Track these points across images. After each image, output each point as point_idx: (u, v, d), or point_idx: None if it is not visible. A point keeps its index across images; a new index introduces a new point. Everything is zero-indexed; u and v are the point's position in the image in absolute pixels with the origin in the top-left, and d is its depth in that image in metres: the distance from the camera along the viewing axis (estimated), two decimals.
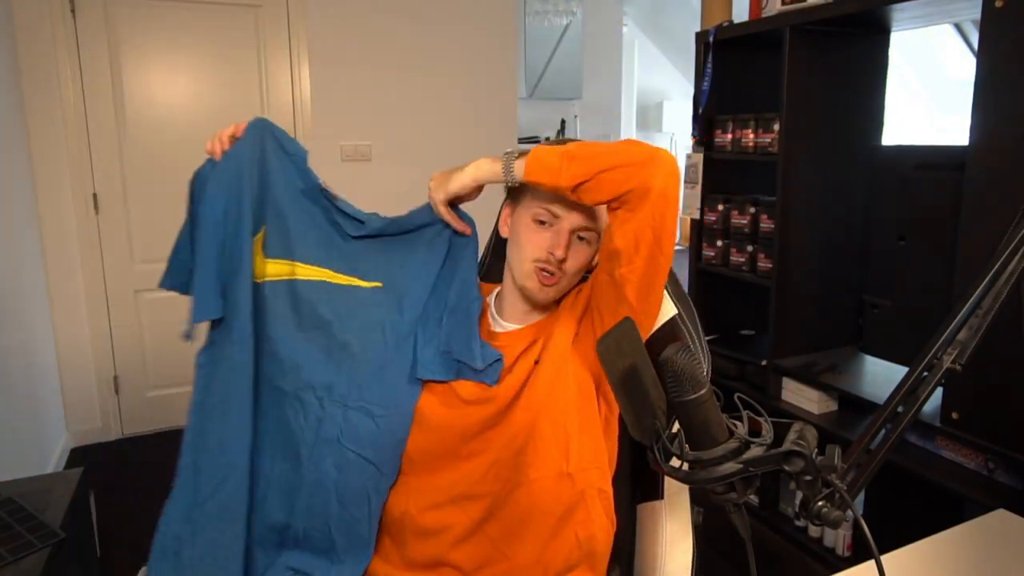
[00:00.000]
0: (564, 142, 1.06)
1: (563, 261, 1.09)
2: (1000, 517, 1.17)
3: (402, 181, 3.64)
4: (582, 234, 1.10)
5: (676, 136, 7.41)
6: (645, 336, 1.07)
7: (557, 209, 1.09)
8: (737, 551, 0.80)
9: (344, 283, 1.16)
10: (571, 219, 1.09)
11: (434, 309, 1.15)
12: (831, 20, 2.00)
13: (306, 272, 1.15)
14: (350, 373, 1.11)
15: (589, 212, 1.10)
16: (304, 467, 1.07)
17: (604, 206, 1.05)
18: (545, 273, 1.10)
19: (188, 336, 1.08)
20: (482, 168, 1.10)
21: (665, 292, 1.20)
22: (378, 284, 1.17)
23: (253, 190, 1.12)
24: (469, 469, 1.07)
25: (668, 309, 1.17)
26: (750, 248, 2.38)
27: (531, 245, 1.11)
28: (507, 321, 1.18)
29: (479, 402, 1.09)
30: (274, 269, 1.13)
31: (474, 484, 1.06)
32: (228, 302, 1.09)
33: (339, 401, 1.10)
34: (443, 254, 1.17)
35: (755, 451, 0.66)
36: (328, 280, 1.16)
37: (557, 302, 1.17)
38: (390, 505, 1.10)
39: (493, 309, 1.21)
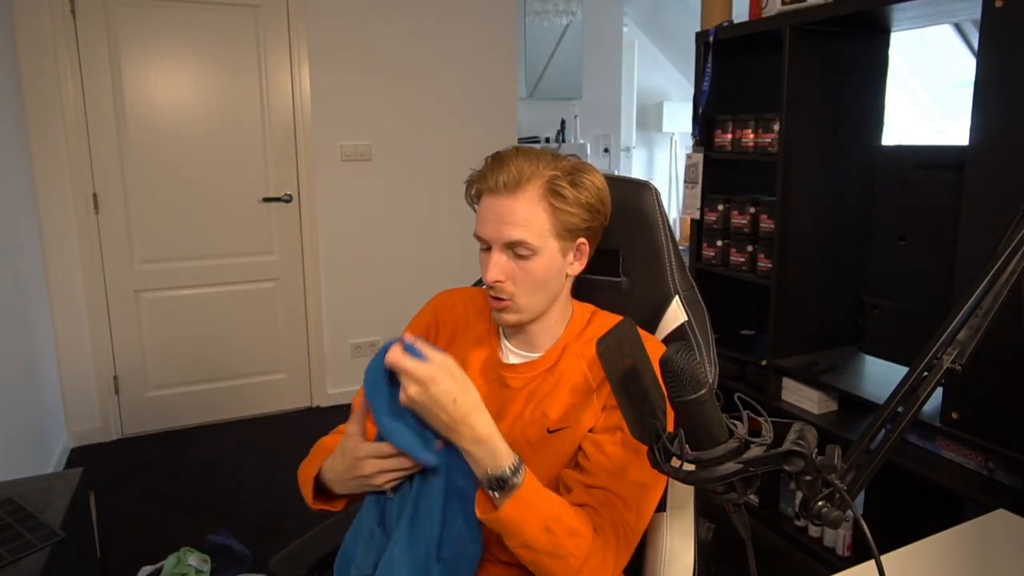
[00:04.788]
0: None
1: (502, 283, 1.03)
2: (1000, 517, 1.17)
3: (402, 181, 3.66)
4: (519, 251, 1.02)
5: (676, 136, 7.40)
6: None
7: (486, 230, 1.04)
8: (737, 551, 0.80)
9: None
10: (498, 237, 1.02)
11: None
12: (831, 20, 2.00)
13: None
14: None
15: (519, 223, 1.01)
16: None
17: (542, 211, 1.01)
18: (493, 297, 1.06)
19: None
20: (480, 448, 0.90)
21: (676, 298, 1.18)
22: None
23: None
24: None
25: (678, 316, 1.16)
26: (750, 248, 2.38)
27: (482, 270, 1.07)
28: (514, 346, 1.13)
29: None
30: None
31: None
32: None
33: None
34: None
35: (755, 451, 0.66)
36: None
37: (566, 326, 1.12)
38: None
39: (503, 330, 1.15)
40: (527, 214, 1.01)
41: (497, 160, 1.04)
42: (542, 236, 1.03)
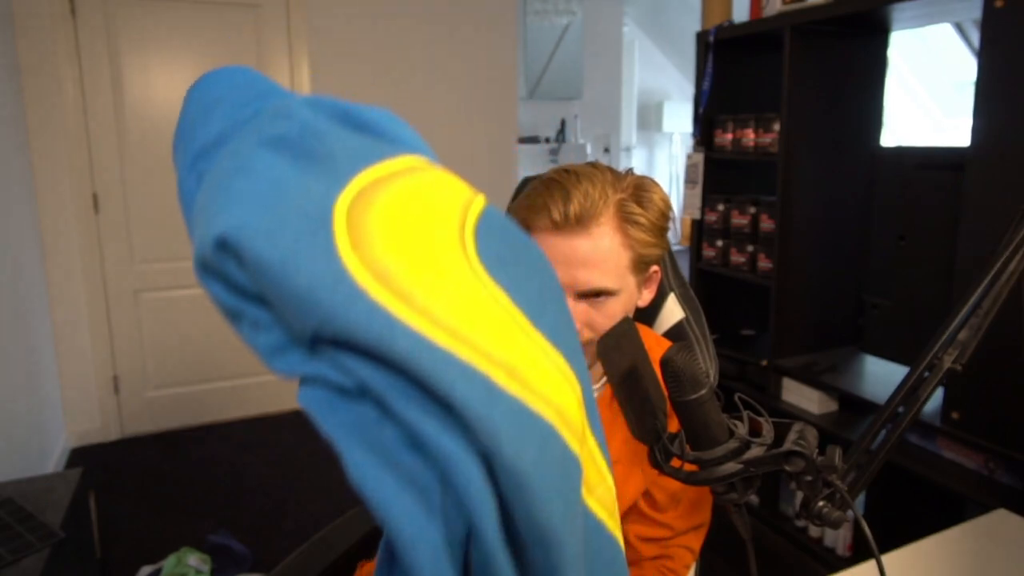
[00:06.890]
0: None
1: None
2: (1000, 517, 1.17)
3: None
4: (598, 295, 0.87)
5: (676, 136, 7.40)
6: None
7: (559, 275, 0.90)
8: (738, 551, 0.80)
9: None
10: (573, 285, 0.85)
11: None
12: (831, 20, 2.00)
13: None
14: None
15: (598, 266, 0.84)
16: None
17: (619, 246, 0.86)
18: None
19: None
20: None
21: (672, 295, 1.19)
22: None
23: None
24: None
25: (675, 313, 1.17)
26: (750, 248, 2.38)
27: None
28: None
29: None
30: None
31: None
32: None
33: None
34: None
35: (755, 451, 0.66)
36: None
37: None
38: None
39: None
40: (605, 254, 0.84)
41: (555, 187, 0.84)
42: (622, 275, 0.87)
